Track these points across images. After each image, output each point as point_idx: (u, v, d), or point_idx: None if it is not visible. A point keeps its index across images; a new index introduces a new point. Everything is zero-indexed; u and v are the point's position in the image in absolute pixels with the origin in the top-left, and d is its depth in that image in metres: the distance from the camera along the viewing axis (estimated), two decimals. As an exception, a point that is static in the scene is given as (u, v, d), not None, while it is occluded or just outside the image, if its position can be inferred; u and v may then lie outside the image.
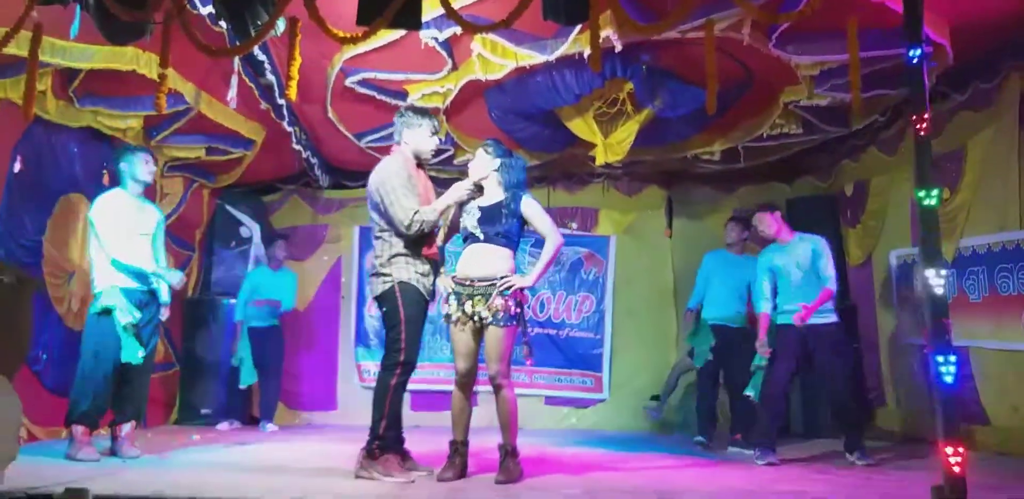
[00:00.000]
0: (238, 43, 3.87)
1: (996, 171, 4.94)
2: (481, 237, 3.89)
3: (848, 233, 6.75)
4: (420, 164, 4.14)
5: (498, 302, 3.76)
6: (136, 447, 4.51)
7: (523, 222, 3.97)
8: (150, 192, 6.29)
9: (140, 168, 4.71)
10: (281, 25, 3.81)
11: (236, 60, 4.81)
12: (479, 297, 3.81)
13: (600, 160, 5.93)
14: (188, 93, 5.11)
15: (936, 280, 3.11)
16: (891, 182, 6.12)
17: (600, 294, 7.52)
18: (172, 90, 4.78)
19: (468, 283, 3.85)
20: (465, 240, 4.00)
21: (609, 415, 7.25)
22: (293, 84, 3.76)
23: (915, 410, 5.81)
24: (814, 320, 4.83)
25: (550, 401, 7.33)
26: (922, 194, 3.15)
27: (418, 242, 3.91)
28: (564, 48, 4.58)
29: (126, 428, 4.52)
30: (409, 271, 3.87)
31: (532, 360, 5.41)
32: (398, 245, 3.89)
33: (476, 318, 3.81)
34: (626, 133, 5.76)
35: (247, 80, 5.07)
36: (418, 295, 3.87)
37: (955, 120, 5.27)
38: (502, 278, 3.81)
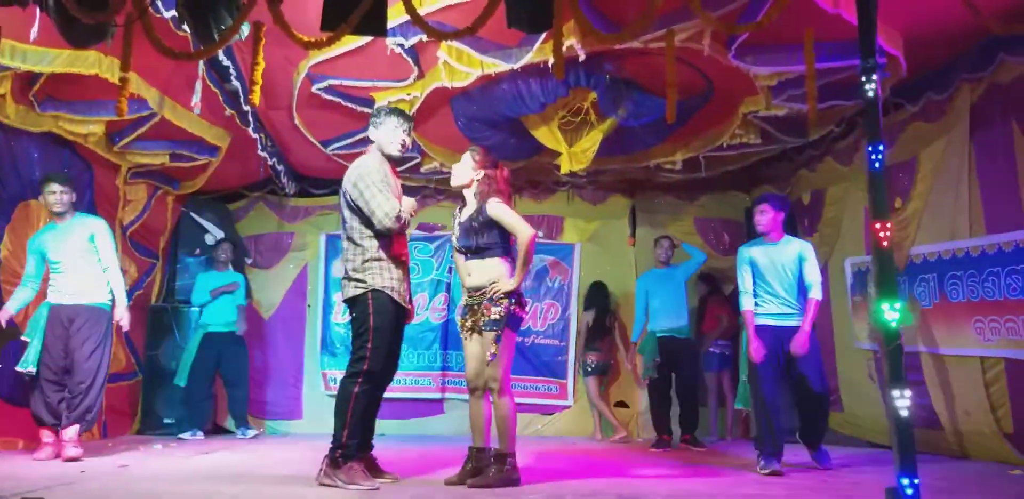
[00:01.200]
0: (202, 48, 3.86)
1: (947, 181, 5.08)
2: (467, 253, 3.96)
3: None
4: (393, 167, 4.07)
5: (487, 309, 3.81)
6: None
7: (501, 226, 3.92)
8: (110, 198, 6.27)
9: (53, 199, 4.89)
10: (245, 29, 3.82)
11: (201, 65, 4.79)
12: (476, 306, 3.88)
13: (565, 168, 6.00)
14: (152, 98, 5.07)
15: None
16: (846, 191, 6.26)
17: (565, 302, 7.58)
18: (135, 95, 4.75)
19: (469, 294, 3.95)
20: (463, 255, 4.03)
21: (574, 421, 7.29)
22: (257, 89, 3.76)
23: (868, 414, 5.92)
24: (788, 322, 4.63)
25: (517, 408, 7.31)
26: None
27: (390, 244, 3.86)
28: (529, 57, 4.64)
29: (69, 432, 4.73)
30: (384, 278, 3.80)
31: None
32: (371, 249, 3.81)
33: (474, 326, 3.88)
34: (590, 142, 5.84)
35: (212, 86, 5.05)
36: (392, 305, 3.80)
37: (908, 131, 5.42)
38: (491, 285, 3.84)
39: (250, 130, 5.76)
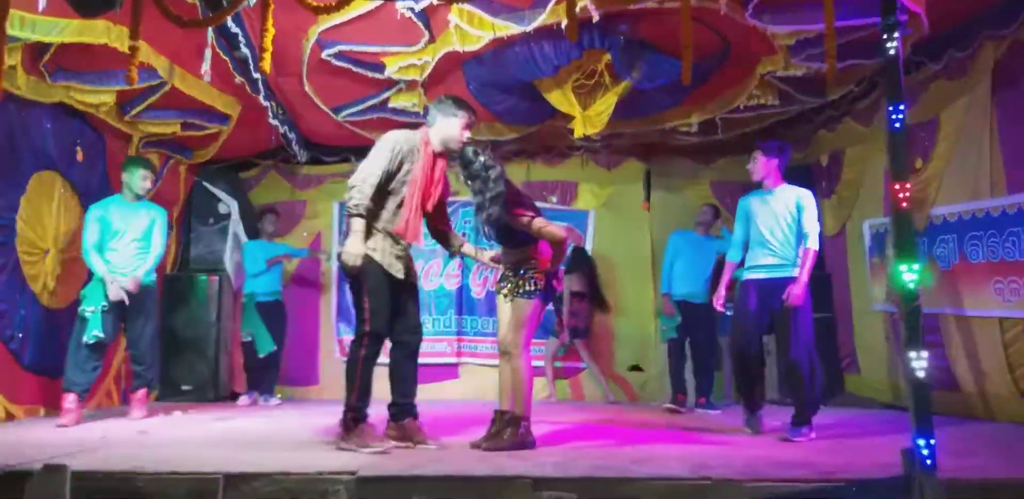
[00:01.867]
0: (210, 15, 3.81)
1: (969, 141, 5.01)
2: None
3: (823, 204, 6.80)
4: (442, 155, 4.02)
5: (522, 279, 3.89)
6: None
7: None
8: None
9: (137, 183, 5.32)
10: (254, -5, 3.76)
11: (209, 33, 4.74)
12: (511, 275, 3.96)
13: (579, 132, 5.93)
14: (161, 67, 5.03)
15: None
16: (866, 153, 6.18)
17: (580, 267, 7.55)
18: (145, 64, 4.71)
19: (508, 265, 4.02)
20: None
21: (588, 384, 7.34)
22: (267, 56, 3.71)
23: (885, 377, 5.93)
24: (780, 274, 4.43)
25: (532, 373, 7.38)
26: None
27: (389, 217, 3.87)
28: (541, 19, 4.55)
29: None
30: (374, 245, 3.80)
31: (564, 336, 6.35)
32: (369, 219, 3.81)
33: (506, 293, 3.96)
34: (604, 105, 5.76)
35: (221, 53, 5.00)
36: (379, 269, 3.79)
37: (930, 89, 5.33)
38: (525, 262, 3.91)
39: (260, 98, 5.72)
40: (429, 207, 3.98)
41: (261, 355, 6.64)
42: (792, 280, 4.38)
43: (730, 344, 4.70)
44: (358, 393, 3.75)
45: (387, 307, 3.81)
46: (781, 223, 4.47)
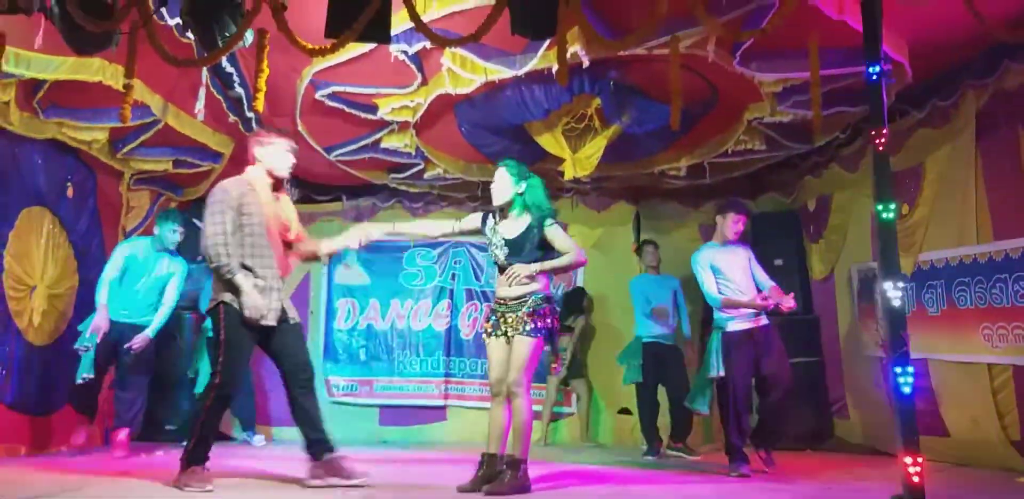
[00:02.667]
0: (205, 55, 3.86)
1: (954, 187, 5.06)
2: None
3: (811, 248, 6.87)
4: (276, 186, 4.07)
5: (525, 316, 3.84)
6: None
7: (550, 247, 3.96)
8: (113, 204, 6.27)
9: (167, 236, 5.53)
10: (249, 37, 3.82)
11: (204, 72, 4.80)
12: (511, 314, 3.89)
13: (569, 175, 5.98)
14: (155, 105, 5.08)
15: (893, 292, 3.16)
16: (852, 198, 6.25)
17: (569, 308, 7.54)
18: (139, 102, 4.76)
19: (503, 302, 3.95)
20: (501, 270, 4.00)
21: (576, 427, 7.26)
22: (261, 96, 3.77)
23: (875, 422, 5.89)
24: (761, 321, 4.82)
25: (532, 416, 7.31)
26: (880, 207, 3.23)
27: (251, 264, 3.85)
28: (533, 63, 4.63)
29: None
30: (233, 296, 3.79)
31: (557, 369, 6.07)
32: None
33: (507, 332, 3.89)
34: (594, 148, 5.82)
35: (215, 92, 5.05)
36: (240, 318, 3.76)
37: (914, 137, 5.40)
38: (536, 297, 3.88)
39: (253, 137, 5.75)
40: (291, 237, 4.07)
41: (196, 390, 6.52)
42: (768, 325, 4.83)
43: (733, 398, 4.76)
44: (196, 441, 3.76)
45: (244, 359, 3.84)
46: (745, 276, 4.91)
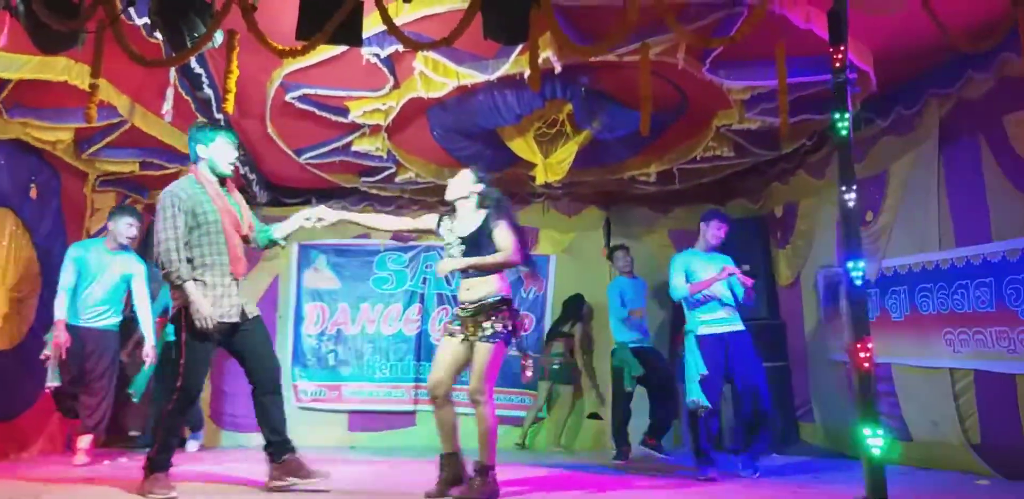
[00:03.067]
0: (174, 55, 3.82)
1: (917, 195, 5.16)
2: (467, 269, 3.93)
3: (778, 253, 6.96)
4: (222, 182, 4.07)
5: (485, 321, 3.84)
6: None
7: None
8: (78, 206, 6.18)
9: (121, 229, 5.35)
10: (219, 37, 3.78)
11: (172, 73, 4.74)
12: (470, 318, 3.90)
13: (540, 180, 6.00)
14: (122, 106, 5.00)
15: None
16: (819, 204, 6.34)
17: (540, 313, 7.58)
18: (105, 102, 4.68)
19: (464, 307, 3.96)
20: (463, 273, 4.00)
21: (547, 432, 7.27)
22: (230, 97, 3.73)
23: (839, 426, 5.97)
24: (734, 328, 4.98)
25: (497, 421, 7.31)
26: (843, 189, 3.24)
27: (208, 262, 3.83)
28: (505, 68, 4.64)
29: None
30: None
31: (528, 376, 6.02)
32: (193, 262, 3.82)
33: (466, 336, 3.90)
34: (566, 153, 5.85)
35: (183, 93, 4.98)
36: (191, 322, 3.74)
37: (878, 145, 5.50)
38: (492, 299, 3.88)
39: (223, 139, 5.69)
40: (244, 230, 4.01)
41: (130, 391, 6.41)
42: (741, 332, 4.99)
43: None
44: (159, 446, 3.76)
45: (204, 362, 3.83)
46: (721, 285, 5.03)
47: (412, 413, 7.37)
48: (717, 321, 4.98)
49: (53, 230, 5.81)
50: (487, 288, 3.91)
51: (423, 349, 7.48)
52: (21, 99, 4.98)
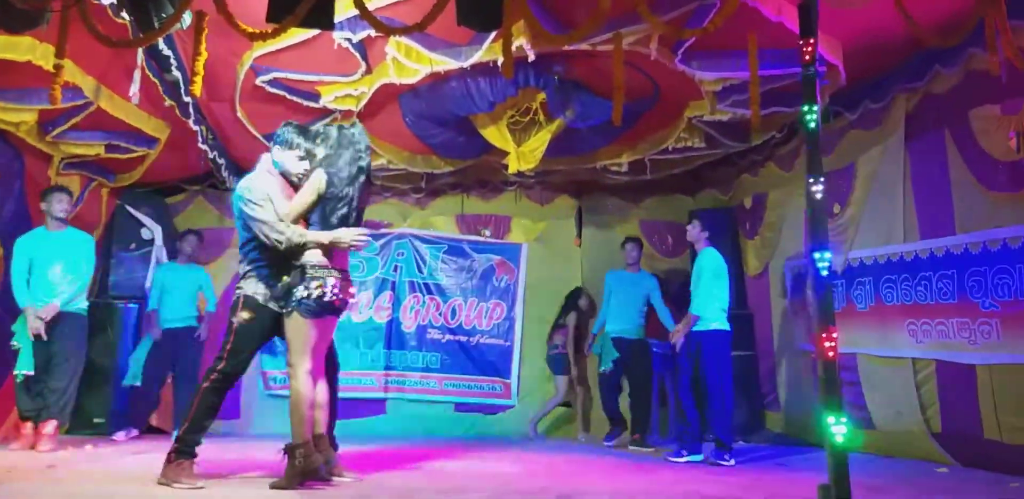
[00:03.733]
0: (141, 36, 3.75)
1: (883, 188, 5.23)
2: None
3: (747, 244, 7.03)
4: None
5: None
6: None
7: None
8: (42, 189, 6.05)
9: (55, 206, 5.39)
10: (188, 19, 3.72)
11: (140, 54, 4.65)
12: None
13: (513, 168, 6.01)
14: (87, 87, 4.90)
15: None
16: (787, 196, 6.40)
17: (511, 301, 7.58)
18: (70, 83, 4.59)
19: None
20: None
21: (517, 421, 7.29)
22: (198, 80, 3.68)
23: (804, 414, 6.07)
24: (707, 327, 5.20)
25: (460, 408, 7.35)
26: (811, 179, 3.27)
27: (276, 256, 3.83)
28: (478, 55, 4.62)
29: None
30: (257, 283, 3.81)
31: None
32: (264, 258, 3.83)
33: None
34: (538, 142, 5.86)
35: (151, 75, 4.90)
36: (255, 305, 3.77)
37: (846, 138, 5.56)
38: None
39: (190, 122, 5.59)
40: None
41: (125, 383, 6.48)
42: (716, 331, 5.23)
43: (683, 392, 5.33)
44: (190, 425, 3.71)
45: (249, 349, 3.80)
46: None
47: (383, 401, 7.36)
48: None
49: (16, 213, 5.70)
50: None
51: (394, 337, 7.46)
52: (-17, 79, 4.87)
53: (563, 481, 4.07)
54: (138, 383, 6.39)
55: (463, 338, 7.45)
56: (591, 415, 7.15)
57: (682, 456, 5.08)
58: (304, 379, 3.68)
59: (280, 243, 3.69)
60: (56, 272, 5.31)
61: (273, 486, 3.55)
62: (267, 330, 3.83)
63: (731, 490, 3.77)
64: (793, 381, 6.32)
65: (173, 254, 7.05)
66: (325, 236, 3.71)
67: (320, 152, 3.86)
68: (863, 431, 5.22)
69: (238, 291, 3.84)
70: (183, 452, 3.66)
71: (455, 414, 7.30)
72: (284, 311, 3.71)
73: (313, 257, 3.72)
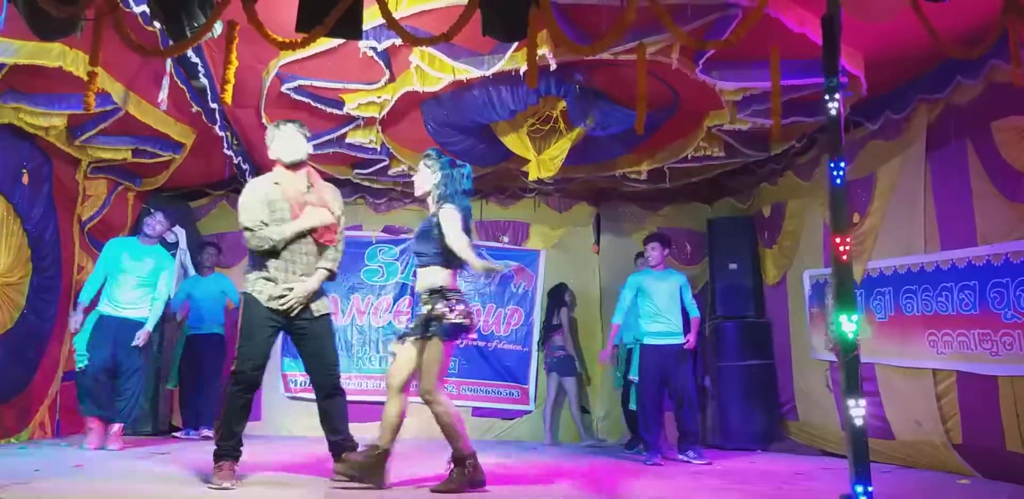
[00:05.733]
0: (171, 44, 3.82)
1: (903, 198, 5.22)
2: (418, 261, 3.94)
3: (765, 253, 7.02)
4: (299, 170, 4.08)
5: (421, 315, 3.81)
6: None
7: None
8: (69, 192, 6.17)
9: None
10: (218, 28, 3.79)
11: (168, 61, 4.74)
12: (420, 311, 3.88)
13: (533, 175, 6.04)
14: (116, 93, 4.99)
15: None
16: (806, 205, 6.40)
17: (529, 307, 7.62)
18: (100, 89, 4.67)
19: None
20: None
21: (534, 426, 7.32)
22: (229, 88, 3.73)
23: (823, 424, 6.05)
24: (673, 340, 5.63)
25: (478, 412, 7.38)
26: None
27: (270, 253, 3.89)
28: (501, 64, 4.66)
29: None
30: (257, 283, 3.86)
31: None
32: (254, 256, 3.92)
33: (415, 331, 3.85)
34: (558, 150, 5.89)
35: (179, 82, 4.98)
36: (257, 306, 3.82)
37: (866, 148, 5.56)
38: (430, 293, 3.82)
39: (216, 128, 5.69)
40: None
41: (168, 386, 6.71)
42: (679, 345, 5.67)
43: (643, 397, 5.68)
44: (221, 433, 3.84)
45: (260, 351, 3.84)
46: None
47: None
48: (657, 332, 5.67)
49: (44, 216, 5.81)
50: (430, 280, 3.85)
51: (411, 341, 7.50)
52: (15, 84, 4.97)
53: (579, 487, 4.08)
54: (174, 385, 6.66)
55: (481, 343, 7.49)
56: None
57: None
58: (445, 400, 3.84)
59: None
60: (125, 278, 5.55)
61: (435, 490, 3.68)
62: (273, 331, 3.88)
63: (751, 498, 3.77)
64: (811, 391, 6.30)
65: (196, 258, 7.15)
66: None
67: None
68: (882, 441, 5.19)
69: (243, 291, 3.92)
70: (220, 455, 3.75)
71: (473, 419, 7.32)
72: (423, 337, 3.76)
73: (447, 281, 3.82)
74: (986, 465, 4.51)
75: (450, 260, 3.85)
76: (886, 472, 4.73)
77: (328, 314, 4.04)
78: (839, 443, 5.53)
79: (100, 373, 5.38)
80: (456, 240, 3.77)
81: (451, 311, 3.73)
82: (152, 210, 5.78)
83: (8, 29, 4.01)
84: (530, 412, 7.38)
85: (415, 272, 7.48)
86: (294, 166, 4.02)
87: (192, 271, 7.14)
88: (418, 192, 4.08)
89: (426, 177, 4.02)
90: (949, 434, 4.76)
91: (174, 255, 7.12)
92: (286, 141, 4.01)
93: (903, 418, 5.15)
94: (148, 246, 5.71)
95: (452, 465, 3.80)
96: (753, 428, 6.47)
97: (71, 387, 5.87)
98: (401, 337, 3.94)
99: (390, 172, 6.72)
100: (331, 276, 3.98)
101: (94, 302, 5.57)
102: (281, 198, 3.90)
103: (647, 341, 5.67)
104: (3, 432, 5.37)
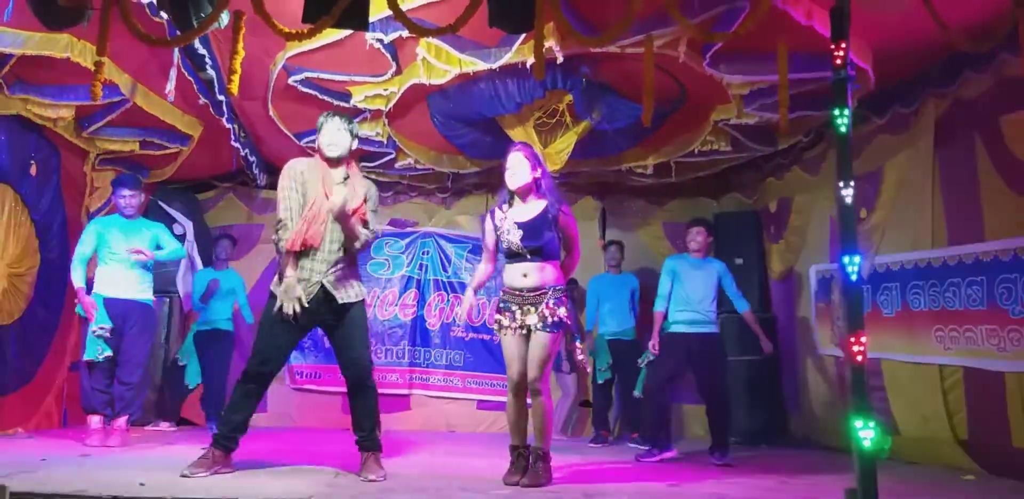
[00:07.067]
0: (178, 34, 3.83)
1: (911, 193, 5.20)
2: (528, 256, 3.89)
3: (771, 248, 7.01)
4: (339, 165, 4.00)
5: (546, 310, 3.83)
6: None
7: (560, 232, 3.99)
8: (77, 184, 6.18)
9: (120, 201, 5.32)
10: (225, 18, 3.79)
11: (176, 53, 4.75)
12: (529, 306, 3.86)
13: (539, 169, 6.02)
14: (124, 84, 5.01)
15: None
16: (813, 201, 6.38)
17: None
18: (107, 80, 4.68)
19: (518, 293, 3.90)
20: (510, 257, 3.96)
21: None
22: (236, 79, 3.75)
23: (828, 418, 6.04)
24: (700, 329, 5.30)
25: (483, 405, 7.38)
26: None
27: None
28: (507, 57, 4.66)
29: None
30: (278, 283, 3.91)
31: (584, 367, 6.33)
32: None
33: (525, 326, 3.86)
34: (565, 144, 5.89)
35: (186, 74, 4.99)
36: (272, 301, 3.87)
37: (874, 142, 5.54)
38: (551, 288, 3.87)
39: (223, 120, 5.71)
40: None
41: (187, 382, 6.63)
42: (710, 333, 5.34)
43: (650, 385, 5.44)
44: (220, 421, 3.87)
45: (270, 347, 3.81)
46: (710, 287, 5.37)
47: (407, 397, 7.42)
48: (685, 321, 5.34)
49: (52, 207, 5.84)
50: (547, 277, 3.89)
51: (418, 334, 7.53)
52: (23, 75, 4.99)
53: (586, 479, 4.09)
54: (196, 382, 6.65)
55: (486, 336, 7.50)
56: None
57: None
58: (549, 394, 3.92)
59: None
60: (118, 257, 5.21)
61: (526, 485, 3.71)
62: (292, 328, 3.83)
63: (757, 492, 3.77)
64: (816, 385, 6.30)
65: (204, 250, 7.15)
66: None
67: None
68: (889, 437, 5.18)
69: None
70: (213, 443, 3.79)
71: (478, 412, 7.35)
72: (542, 331, 3.81)
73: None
74: (991, 461, 4.50)
75: (557, 255, 4.02)
76: (892, 468, 4.72)
77: (355, 303, 3.91)
78: (844, 438, 5.52)
79: (106, 361, 5.16)
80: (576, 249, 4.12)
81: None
82: (114, 186, 5.36)
83: (16, 20, 4.03)
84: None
85: (420, 265, 7.58)
86: (332, 161, 3.94)
87: (200, 264, 7.12)
88: (517, 182, 4.00)
89: (525, 170, 3.99)
90: (955, 430, 4.75)
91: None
92: (328, 135, 3.91)
93: (909, 414, 5.14)
94: (134, 222, 5.34)
95: (540, 459, 3.85)
96: (756, 423, 6.46)
97: (78, 377, 5.90)
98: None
99: (397, 165, 6.72)
100: (364, 243, 3.98)
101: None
102: (315, 179, 3.88)
103: (671, 329, 5.35)
104: (10, 422, 5.40)
